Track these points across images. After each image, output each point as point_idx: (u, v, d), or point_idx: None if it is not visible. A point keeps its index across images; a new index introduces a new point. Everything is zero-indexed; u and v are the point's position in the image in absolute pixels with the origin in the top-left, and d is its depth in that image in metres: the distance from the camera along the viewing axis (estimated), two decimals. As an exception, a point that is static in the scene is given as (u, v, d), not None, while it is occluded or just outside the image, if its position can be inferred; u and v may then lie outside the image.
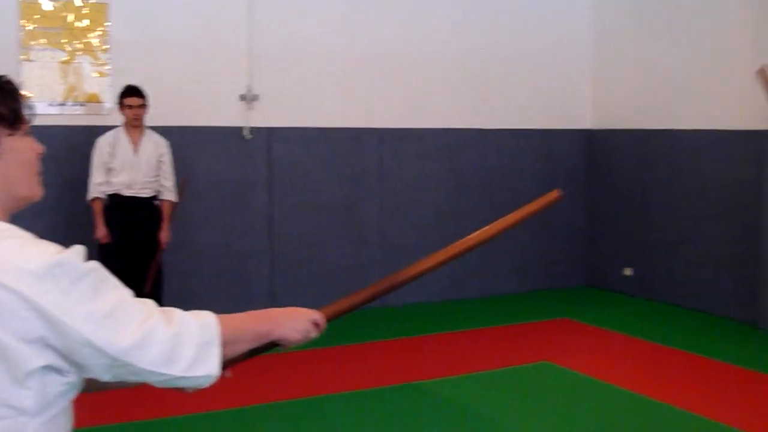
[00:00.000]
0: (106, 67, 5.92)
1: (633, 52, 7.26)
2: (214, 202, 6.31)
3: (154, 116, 5.64)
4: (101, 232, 5.41)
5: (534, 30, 7.40)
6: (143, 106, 5.50)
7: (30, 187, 1.32)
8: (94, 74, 5.90)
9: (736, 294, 6.41)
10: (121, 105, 5.47)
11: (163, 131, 5.72)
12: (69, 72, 5.82)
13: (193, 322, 1.27)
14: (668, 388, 4.76)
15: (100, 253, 5.30)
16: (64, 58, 5.80)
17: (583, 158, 7.71)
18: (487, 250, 7.06)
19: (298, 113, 6.54)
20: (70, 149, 5.76)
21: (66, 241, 1.24)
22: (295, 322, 1.47)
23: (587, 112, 7.72)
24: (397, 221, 6.95)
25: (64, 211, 5.76)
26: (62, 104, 5.82)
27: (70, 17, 5.81)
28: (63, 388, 1.20)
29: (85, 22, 5.85)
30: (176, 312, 1.27)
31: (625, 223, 7.37)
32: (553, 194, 1.82)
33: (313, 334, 1.50)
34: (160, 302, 1.41)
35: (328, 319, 1.54)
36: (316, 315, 1.51)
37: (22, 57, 5.69)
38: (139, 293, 1.36)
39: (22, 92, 1.34)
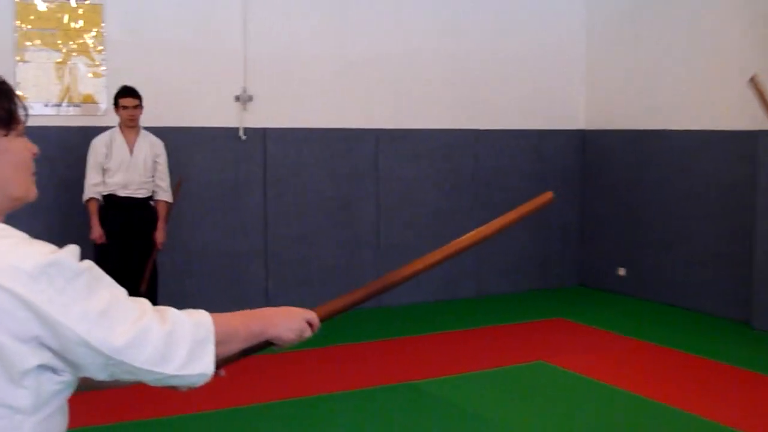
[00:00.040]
0: (102, 68, 5.92)
1: (626, 53, 7.29)
2: (209, 202, 6.31)
3: (149, 117, 5.65)
4: (97, 232, 5.41)
5: (528, 31, 7.42)
6: (138, 106, 5.50)
7: (24, 188, 1.32)
8: (90, 75, 5.90)
9: (730, 293, 6.44)
10: (117, 106, 5.48)
11: (159, 132, 5.72)
12: (64, 73, 5.82)
13: (187, 321, 1.27)
14: (663, 388, 4.78)
15: (96, 253, 5.30)
16: (59, 59, 5.80)
17: (577, 158, 7.74)
18: (482, 250, 7.09)
19: (293, 114, 6.55)
20: (65, 150, 5.76)
21: (61, 242, 1.25)
22: (289, 322, 1.47)
23: (581, 112, 7.74)
24: (393, 222, 6.97)
25: (59, 211, 5.76)
26: (57, 105, 5.82)
27: (66, 18, 5.81)
28: (58, 386, 1.21)
29: (80, 23, 5.85)
30: (170, 311, 1.27)
31: (618, 223, 7.40)
32: (546, 196, 1.84)
33: (307, 333, 1.51)
34: (156, 302, 1.43)
35: (322, 319, 1.54)
36: (310, 314, 1.51)
37: (17, 58, 5.69)
38: (135, 293, 1.37)
39: (17, 93, 1.34)
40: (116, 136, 5.51)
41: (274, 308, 1.50)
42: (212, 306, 1.36)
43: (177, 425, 4.21)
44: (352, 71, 6.74)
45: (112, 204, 5.49)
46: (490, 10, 7.25)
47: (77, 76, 5.86)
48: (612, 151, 7.46)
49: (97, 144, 5.48)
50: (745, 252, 6.26)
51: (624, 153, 7.32)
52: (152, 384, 1.28)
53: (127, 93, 5.46)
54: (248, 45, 6.34)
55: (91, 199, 5.47)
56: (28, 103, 5.58)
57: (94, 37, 5.89)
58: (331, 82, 6.67)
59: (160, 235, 5.58)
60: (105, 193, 5.49)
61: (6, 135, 1.29)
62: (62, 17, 5.80)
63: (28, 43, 5.71)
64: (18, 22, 5.68)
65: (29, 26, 5.71)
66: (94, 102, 5.93)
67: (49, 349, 1.17)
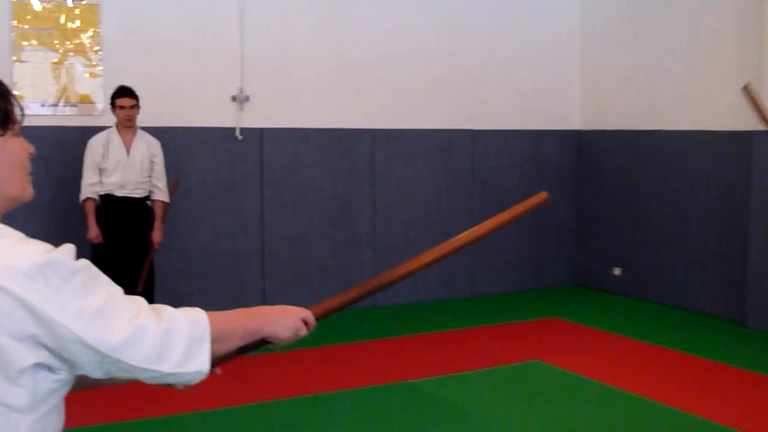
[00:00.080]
0: (98, 68, 5.92)
1: (622, 54, 7.30)
2: (205, 202, 6.32)
3: (146, 117, 5.65)
4: (94, 232, 5.41)
5: (524, 32, 7.44)
6: (135, 106, 5.50)
7: (21, 188, 1.32)
8: (86, 75, 5.90)
9: (724, 293, 6.46)
10: (114, 106, 5.48)
11: (155, 132, 5.73)
12: (61, 73, 5.82)
13: (183, 319, 1.27)
14: (657, 386, 4.80)
15: (93, 253, 5.31)
16: (56, 59, 5.80)
17: (572, 159, 7.76)
18: (477, 250, 7.10)
19: (289, 114, 6.56)
20: (62, 150, 5.76)
21: (58, 242, 1.25)
22: (285, 320, 1.48)
23: (576, 113, 7.76)
24: (390, 222, 6.98)
25: (56, 211, 5.77)
26: (54, 105, 5.82)
27: (62, 18, 5.81)
28: (54, 385, 1.21)
29: (77, 23, 5.85)
30: (166, 309, 1.28)
31: (614, 224, 7.42)
32: (541, 196, 1.84)
33: (303, 332, 1.51)
34: (152, 302, 1.43)
35: (318, 318, 1.55)
36: (305, 313, 1.52)
37: (14, 58, 5.69)
38: (132, 293, 1.37)
39: (14, 93, 1.35)
40: (113, 136, 5.51)
41: (270, 306, 1.51)
42: (209, 306, 1.37)
43: (174, 424, 4.22)
44: (349, 71, 6.75)
45: (109, 204, 5.49)
46: (487, 11, 7.26)
47: (74, 76, 5.86)
48: (608, 151, 7.48)
49: (94, 144, 5.48)
50: (740, 252, 6.28)
51: (620, 153, 7.34)
52: (148, 382, 1.28)
53: (124, 93, 5.47)
54: (245, 45, 6.35)
55: (88, 198, 5.47)
56: (25, 103, 5.61)
57: (90, 37, 5.90)
58: (328, 82, 6.68)
59: (156, 235, 5.59)
60: (102, 193, 5.50)
61: (2, 135, 1.29)
62: (59, 17, 5.80)
63: (25, 43, 5.72)
64: (15, 22, 5.68)
65: (26, 26, 5.71)
66: (90, 102, 5.93)
67: (46, 347, 1.17)
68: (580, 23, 7.67)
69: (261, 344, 1.49)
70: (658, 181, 6.96)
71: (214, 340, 1.31)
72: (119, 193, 5.50)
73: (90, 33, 5.89)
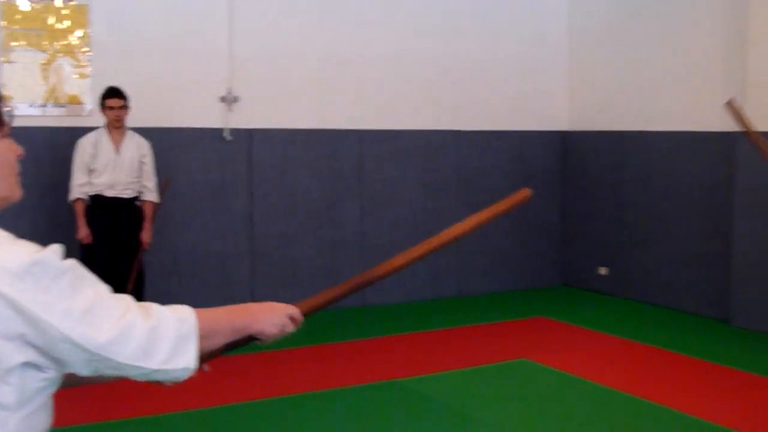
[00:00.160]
0: (87, 69, 5.92)
1: (607, 55, 7.36)
2: (194, 202, 6.33)
3: (135, 117, 5.66)
4: (83, 232, 5.42)
5: (510, 32, 7.48)
6: (124, 107, 5.51)
7: (9, 189, 1.32)
8: (75, 76, 5.90)
9: (708, 292, 6.53)
10: (103, 106, 5.49)
11: (144, 132, 5.74)
12: (50, 73, 5.82)
13: (170, 316, 1.29)
14: (643, 384, 4.85)
15: (82, 253, 5.31)
16: (44, 60, 5.80)
17: (557, 159, 7.80)
18: (464, 249, 7.14)
19: (277, 115, 6.58)
20: (51, 150, 5.76)
21: (47, 242, 1.26)
22: (272, 317, 1.49)
23: (562, 114, 7.81)
24: (376, 221, 7.00)
25: (45, 211, 5.76)
26: (43, 106, 5.82)
27: (51, 19, 5.81)
28: (42, 383, 1.22)
29: (66, 24, 5.86)
30: (154, 306, 1.29)
31: (599, 223, 7.47)
32: (524, 193, 1.84)
33: (290, 328, 1.52)
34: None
35: (305, 314, 1.56)
36: (292, 310, 1.53)
37: (2, 58, 5.69)
38: (121, 293, 1.39)
39: (2, 94, 1.36)
40: (102, 137, 5.52)
41: (257, 303, 1.52)
42: (199, 306, 1.38)
43: (164, 423, 4.23)
44: (337, 72, 6.78)
45: (98, 204, 5.50)
46: (473, 13, 7.30)
47: (63, 77, 5.86)
48: (593, 152, 7.53)
49: (84, 144, 5.48)
50: (724, 251, 6.34)
51: (605, 154, 7.40)
52: (137, 379, 1.29)
53: (113, 94, 5.47)
54: (234, 46, 6.37)
55: (78, 199, 5.47)
56: (14, 103, 5.59)
57: (79, 37, 5.90)
58: (316, 84, 6.71)
59: (146, 236, 5.59)
60: (91, 194, 5.50)
61: (-9, 137, 1.30)
62: (47, 18, 5.80)
63: (14, 44, 5.71)
64: (3, 23, 5.68)
65: (15, 26, 5.71)
66: (79, 103, 5.93)
67: (34, 346, 1.18)
68: (567, 25, 7.72)
69: (249, 341, 1.50)
70: (643, 182, 7.02)
71: (202, 337, 1.32)
72: (109, 193, 5.50)
73: (79, 34, 5.90)
